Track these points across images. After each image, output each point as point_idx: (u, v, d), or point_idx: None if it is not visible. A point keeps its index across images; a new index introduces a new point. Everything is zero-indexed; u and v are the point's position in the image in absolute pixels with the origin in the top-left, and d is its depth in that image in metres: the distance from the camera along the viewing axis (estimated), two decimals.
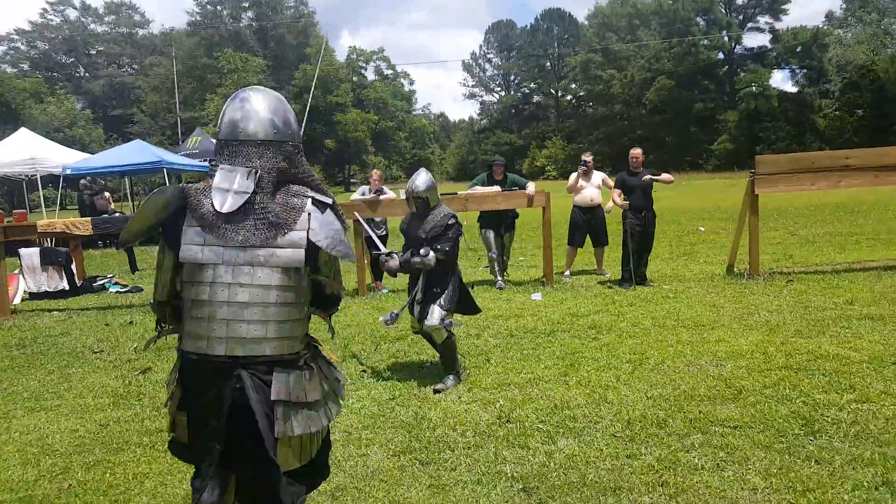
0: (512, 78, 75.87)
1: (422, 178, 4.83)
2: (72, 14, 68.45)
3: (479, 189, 8.75)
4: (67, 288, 10.17)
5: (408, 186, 4.91)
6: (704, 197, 23.42)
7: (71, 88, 65.20)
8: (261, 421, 1.96)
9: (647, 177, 8.06)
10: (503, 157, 9.99)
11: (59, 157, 15.81)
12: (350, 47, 66.27)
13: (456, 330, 5.04)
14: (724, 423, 3.73)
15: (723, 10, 57.77)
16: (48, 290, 10.05)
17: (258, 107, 2.15)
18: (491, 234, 8.74)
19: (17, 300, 9.76)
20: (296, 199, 2.11)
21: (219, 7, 63.61)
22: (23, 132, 17.08)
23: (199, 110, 49.85)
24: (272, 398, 1.99)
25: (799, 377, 4.43)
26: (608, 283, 8.44)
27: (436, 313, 4.65)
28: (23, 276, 10.16)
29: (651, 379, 4.58)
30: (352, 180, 60.58)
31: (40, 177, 15.98)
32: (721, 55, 58.02)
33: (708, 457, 3.33)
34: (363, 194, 8.77)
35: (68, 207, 26.88)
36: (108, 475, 3.49)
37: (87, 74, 70.67)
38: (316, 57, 54.67)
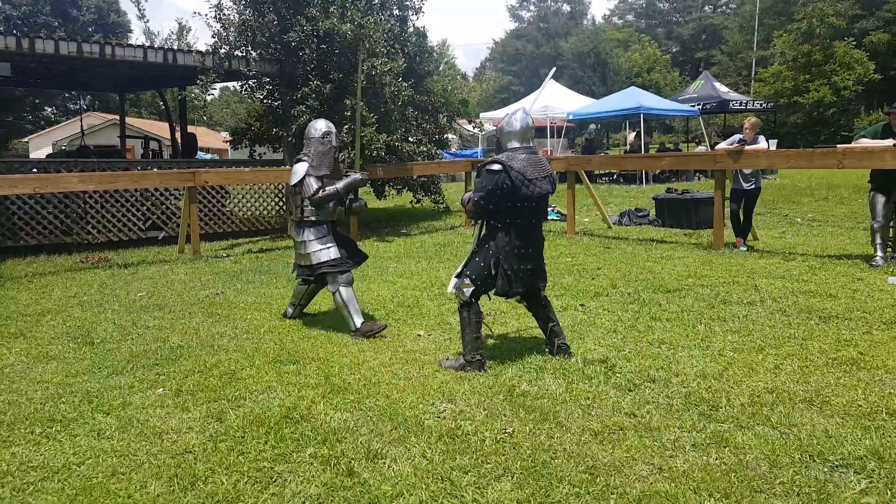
0: None
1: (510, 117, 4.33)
2: None
3: (865, 142, 7.39)
4: None
5: None
6: None
7: (663, 34, 70.92)
8: None
9: None
10: None
11: (567, 105, 19.11)
12: None
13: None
14: None
15: None
16: None
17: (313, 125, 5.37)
18: (880, 200, 7.16)
19: None
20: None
21: None
22: (549, 83, 20.97)
23: (770, 48, 47.75)
24: None
25: None
26: None
27: (453, 279, 4.33)
28: None
29: None
30: None
31: (550, 124, 19.69)
32: None
33: None
34: (731, 143, 8.57)
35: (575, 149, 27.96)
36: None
37: (680, 18, 74.96)
38: None
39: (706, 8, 72.88)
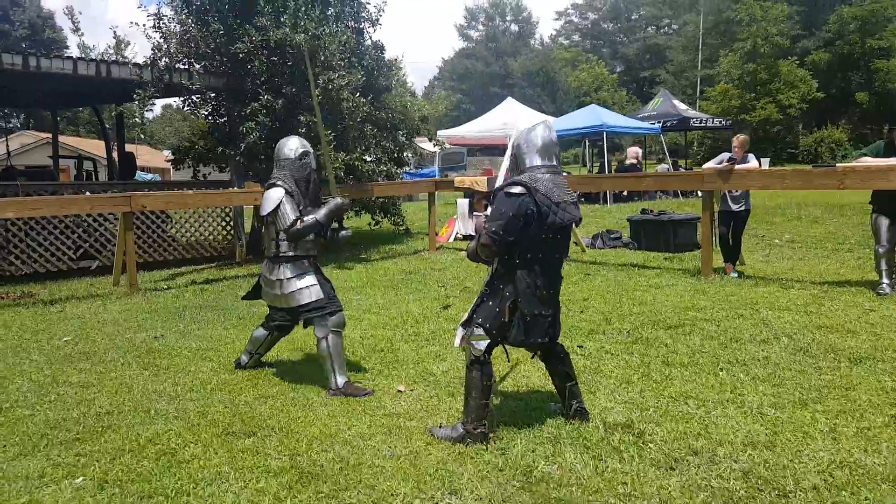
0: None
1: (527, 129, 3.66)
2: None
3: (867, 160, 6.92)
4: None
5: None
6: None
7: (609, 54, 72.11)
8: None
9: None
10: None
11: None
12: None
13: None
14: None
15: None
16: (471, 233, 12.59)
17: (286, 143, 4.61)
18: (884, 223, 6.69)
19: (451, 239, 12.58)
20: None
21: None
22: (508, 101, 20.76)
23: (714, 67, 48.86)
24: None
25: None
26: None
27: (459, 330, 3.59)
28: (459, 221, 12.95)
29: None
30: None
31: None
32: None
33: None
34: (721, 162, 8.05)
35: None
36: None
37: (624, 39, 76.54)
38: None
39: (649, 29, 74.61)
